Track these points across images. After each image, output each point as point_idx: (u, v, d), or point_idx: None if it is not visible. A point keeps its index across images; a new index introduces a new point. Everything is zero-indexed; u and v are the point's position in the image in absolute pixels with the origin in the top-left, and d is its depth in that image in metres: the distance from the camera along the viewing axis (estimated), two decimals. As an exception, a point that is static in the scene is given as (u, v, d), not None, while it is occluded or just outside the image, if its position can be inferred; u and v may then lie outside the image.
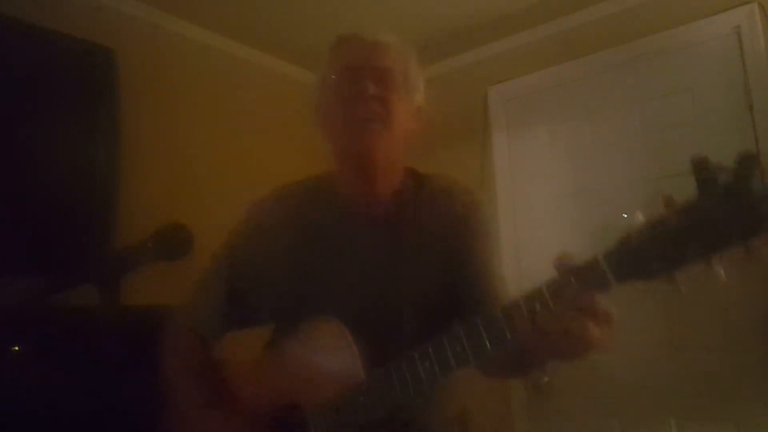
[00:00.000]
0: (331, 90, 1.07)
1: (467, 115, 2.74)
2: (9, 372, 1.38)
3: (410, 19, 2.60)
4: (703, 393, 2.02)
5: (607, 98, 2.40)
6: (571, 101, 2.49)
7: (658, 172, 2.17)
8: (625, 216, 0.69)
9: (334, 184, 1.13)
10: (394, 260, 1.06)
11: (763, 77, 2.04)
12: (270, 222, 1.15)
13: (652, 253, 0.67)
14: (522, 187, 2.59)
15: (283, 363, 1.03)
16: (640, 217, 0.68)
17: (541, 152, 2.55)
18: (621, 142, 2.33)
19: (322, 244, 1.09)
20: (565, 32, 2.51)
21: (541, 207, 2.49)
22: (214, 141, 2.49)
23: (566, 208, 2.42)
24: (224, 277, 1.14)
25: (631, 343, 2.18)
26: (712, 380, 2.01)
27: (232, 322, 1.14)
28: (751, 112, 2.04)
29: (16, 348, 1.40)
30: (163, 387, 1.06)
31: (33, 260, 1.73)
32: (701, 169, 0.63)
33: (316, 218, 1.11)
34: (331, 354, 0.96)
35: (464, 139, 2.74)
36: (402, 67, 1.07)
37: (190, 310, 1.15)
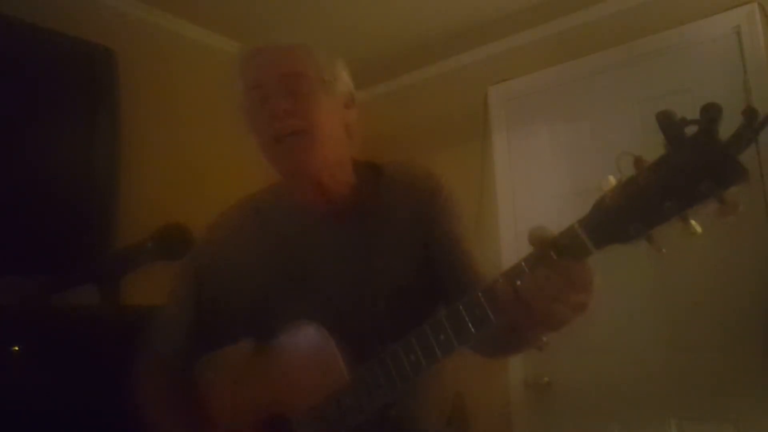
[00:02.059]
0: (247, 110, 1.05)
1: (467, 115, 2.74)
2: (9, 372, 1.38)
3: (411, 19, 2.60)
4: (703, 393, 2.02)
5: (607, 98, 2.40)
6: (571, 101, 2.49)
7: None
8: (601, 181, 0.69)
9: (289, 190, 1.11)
10: (363, 255, 1.04)
11: (763, 77, 2.05)
12: (232, 237, 1.13)
13: (628, 214, 0.66)
14: (522, 187, 2.58)
15: (263, 373, 1.01)
16: (612, 181, 0.68)
17: (541, 152, 2.55)
18: (621, 142, 2.33)
19: (289, 251, 1.08)
20: (565, 32, 2.51)
21: (541, 207, 2.49)
22: (214, 141, 2.49)
23: (566, 208, 2.42)
24: (191, 301, 1.11)
25: (631, 343, 2.18)
26: (712, 380, 2.01)
27: (204, 345, 1.11)
28: (751, 111, 2.04)
29: (16, 348, 1.40)
30: (142, 422, 1.04)
31: (33, 260, 1.72)
32: (667, 123, 0.62)
33: (278, 226, 1.10)
34: (312, 358, 0.94)
35: (464, 139, 2.74)
36: (312, 65, 1.03)
37: (161, 339, 1.12)
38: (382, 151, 1.17)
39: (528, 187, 2.57)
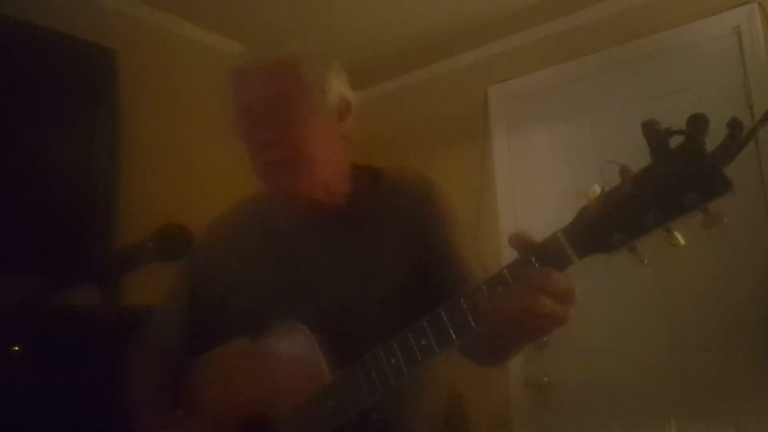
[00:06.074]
0: (238, 130, 1.04)
1: (467, 115, 2.74)
2: (9, 372, 1.38)
3: (411, 20, 2.60)
4: (703, 393, 2.02)
5: (607, 98, 2.40)
6: (571, 101, 2.49)
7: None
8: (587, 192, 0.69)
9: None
10: (356, 259, 1.04)
11: (763, 77, 2.04)
12: (230, 236, 1.14)
13: (611, 224, 0.66)
14: (522, 187, 2.58)
15: (247, 372, 1.02)
16: (596, 189, 0.68)
17: (541, 152, 2.55)
18: (621, 142, 2.33)
19: (284, 253, 1.08)
20: (565, 32, 2.51)
21: (541, 207, 2.49)
22: (214, 141, 2.48)
23: (566, 208, 2.41)
24: (188, 298, 1.13)
25: (631, 343, 2.18)
26: (712, 380, 2.01)
27: (200, 342, 1.11)
28: (751, 112, 2.04)
29: (16, 348, 1.40)
30: (128, 411, 1.05)
31: (33, 260, 1.73)
32: (652, 133, 0.63)
33: (275, 228, 1.11)
34: (295, 359, 0.94)
35: (464, 139, 2.74)
36: (299, 83, 0.99)
37: (156, 335, 1.14)
38: (381, 152, 1.17)
39: (528, 187, 2.57)
